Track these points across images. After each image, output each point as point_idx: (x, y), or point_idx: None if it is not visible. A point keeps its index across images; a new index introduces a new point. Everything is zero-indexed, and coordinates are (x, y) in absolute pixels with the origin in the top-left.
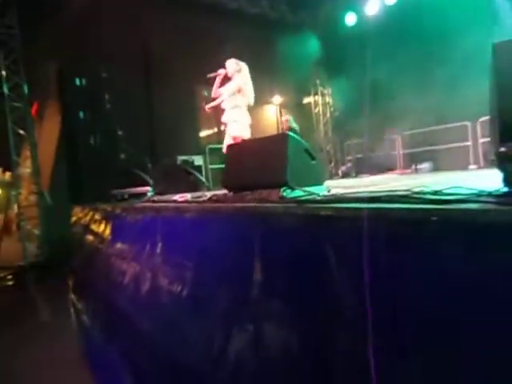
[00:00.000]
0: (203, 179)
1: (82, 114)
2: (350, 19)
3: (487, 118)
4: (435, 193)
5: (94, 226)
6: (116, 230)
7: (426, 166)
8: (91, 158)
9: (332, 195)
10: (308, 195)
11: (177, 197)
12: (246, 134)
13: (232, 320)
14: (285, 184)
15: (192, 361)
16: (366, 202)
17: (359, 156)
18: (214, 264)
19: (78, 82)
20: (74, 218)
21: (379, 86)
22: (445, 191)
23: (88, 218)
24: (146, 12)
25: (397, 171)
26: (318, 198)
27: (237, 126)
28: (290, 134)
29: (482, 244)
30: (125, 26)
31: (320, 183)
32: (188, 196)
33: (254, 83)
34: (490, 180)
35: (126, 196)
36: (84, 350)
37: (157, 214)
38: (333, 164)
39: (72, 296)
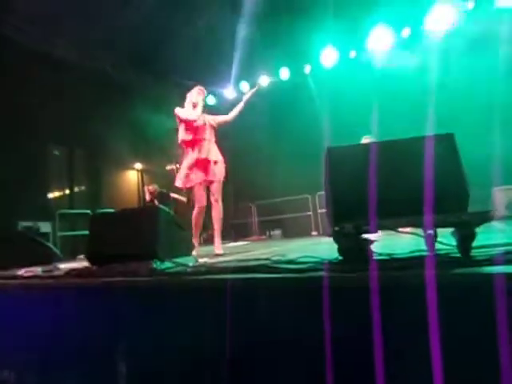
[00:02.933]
0: (58, 251)
1: None
2: (210, 100)
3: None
4: (290, 261)
5: None
6: None
7: (277, 232)
8: None
9: (201, 266)
10: (178, 267)
11: (22, 271)
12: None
13: None
14: (155, 256)
15: None
16: (233, 273)
17: None
18: (73, 353)
19: None
20: None
21: (238, 158)
22: (297, 260)
23: None
24: None
25: (254, 237)
26: (189, 269)
27: (222, 167)
28: (161, 206)
29: (332, 301)
30: None
31: (188, 254)
32: (38, 270)
33: (115, 148)
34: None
35: None
36: None
37: None
38: None
39: None
